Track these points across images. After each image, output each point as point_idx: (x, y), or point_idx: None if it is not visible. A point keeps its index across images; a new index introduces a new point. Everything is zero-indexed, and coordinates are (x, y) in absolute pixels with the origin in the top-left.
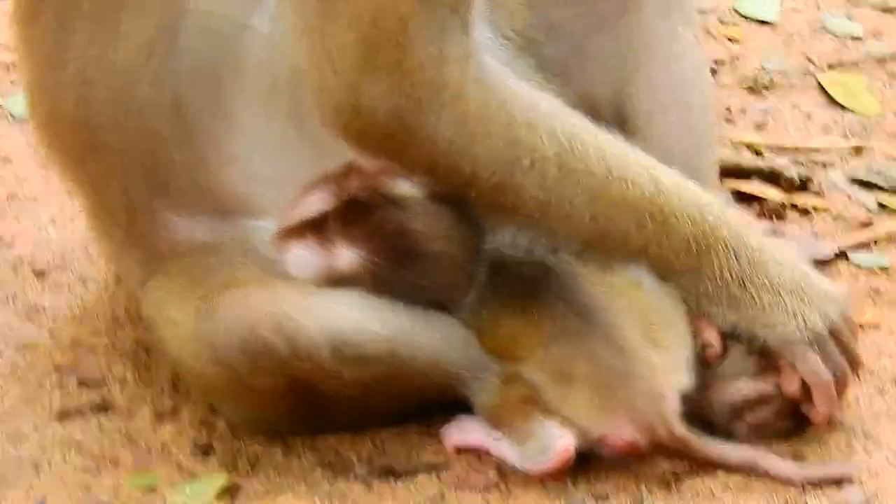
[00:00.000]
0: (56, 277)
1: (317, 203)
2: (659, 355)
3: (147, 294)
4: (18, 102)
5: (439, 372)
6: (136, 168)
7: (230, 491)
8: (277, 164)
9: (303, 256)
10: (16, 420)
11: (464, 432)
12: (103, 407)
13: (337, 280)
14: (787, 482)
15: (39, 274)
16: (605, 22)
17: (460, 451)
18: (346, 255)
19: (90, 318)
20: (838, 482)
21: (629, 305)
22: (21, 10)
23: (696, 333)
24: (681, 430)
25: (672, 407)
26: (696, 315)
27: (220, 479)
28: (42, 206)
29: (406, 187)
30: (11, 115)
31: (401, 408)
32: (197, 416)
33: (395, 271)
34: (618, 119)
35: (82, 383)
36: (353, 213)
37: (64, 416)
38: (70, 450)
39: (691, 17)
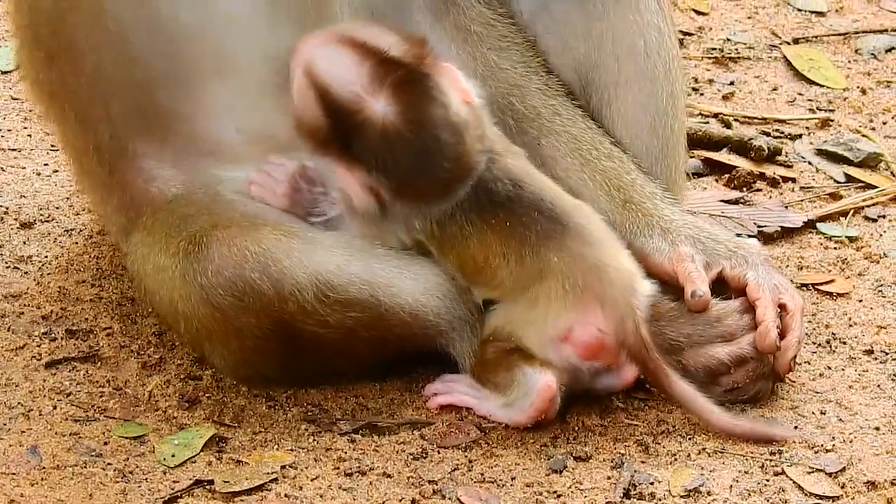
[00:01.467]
0: (42, 228)
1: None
2: (628, 260)
3: (130, 250)
4: (2, 56)
5: (419, 321)
6: (116, 98)
7: (216, 442)
8: (255, 117)
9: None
10: (5, 368)
11: (447, 391)
12: (91, 357)
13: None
14: (715, 428)
15: (25, 225)
16: None
17: (444, 408)
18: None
19: (76, 268)
20: (769, 441)
21: (597, 226)
22: None
23: (680, 283)
24: (646, 330)
25: (642, 303)
26: (676, 268)
27: (206, 431)
28: (26, 157)
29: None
30: None
31: (383, 359)
32: (183, 368)
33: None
34: (585, 87)
35: (70, 333)
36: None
37: (53, 365)
38: (59, 399)
39: None
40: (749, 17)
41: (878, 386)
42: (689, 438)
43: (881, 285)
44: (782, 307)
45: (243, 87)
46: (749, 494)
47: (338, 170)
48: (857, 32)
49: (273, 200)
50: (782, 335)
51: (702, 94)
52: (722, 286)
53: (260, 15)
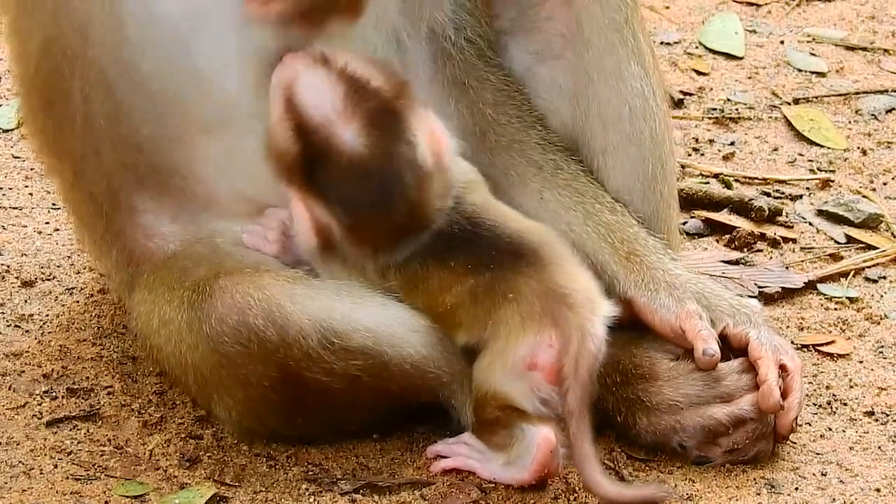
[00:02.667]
0: (43, 287)
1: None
2: (586, 280)
3: (133, 308)
4: (3, 115)
5: (422, 372)
6: (109, 152)
7: (217, 501)
8: (248, 172)
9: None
10: (6, 427)
11: (450, 454)
12: (92, 416)
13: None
14: (598, 495)
15: (26, 283)
16: (549, 52)
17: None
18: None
19: (77, 327)
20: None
21: (554, 249)
22: None
23: (689, 340)
24: (590, 354)
25: (597, 323)
26: (684, 325)
27: (207, 490)
28: (27, 216)
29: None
30: None
31: (386, 410)
32: (184, 427)
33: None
34: (574, 150)
35: (71, 392)
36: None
37: (54, 423)
38: (60, 457)
39: (640, 49)
40: (749, 78)
41: (879, 447)
42: (690, 501)
43: (882, 346)
44: (782, 368)
45: (234, 142)
46: None
47: (294, 201)
48: (857, 93)
49: (265, 248)
50: (783, 395)
51: (702, 155)
52: (723, 343)
53: (244, 73)
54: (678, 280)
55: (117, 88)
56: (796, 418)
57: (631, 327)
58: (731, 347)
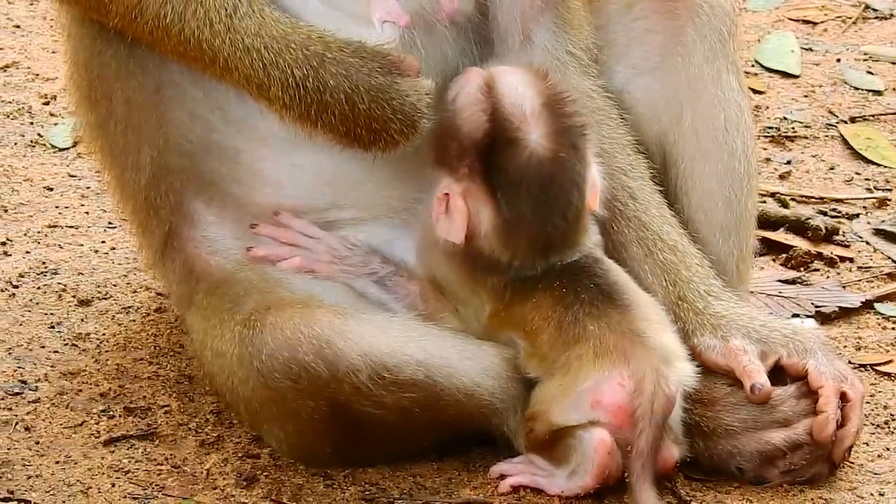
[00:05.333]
0: (99, 306)
1: None
2: (671, 340)
3: (189, 327)
4: (59, 134)
5: (474, 401)
6: (176, 159)
7: None
8: (309, 186)
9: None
10: (64, 446)
11: (516, 472)
12: (149, 434)
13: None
14: None
15: (83, 302)
16: (647, 65)
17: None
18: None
19: (134, 346)
20: None
21: (647, 311)
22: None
23: (737, 377)
24: (662, 405)
25: (674, 378)
26: (731, 363)
27: None
28: (83, 235)
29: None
30: (52, 146)
31: (439, 438)
32: (241, 446)
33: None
34: (663, 158)
35: (128, 411)
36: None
37: (111, 442)
38: (118, 476)
39: (736, 64)
40: (806, 96)
41: None
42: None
43: None
44: (843, 396)
45: (297, 157)
46: None
47: (453, 195)
48: None
49: (320, 269)
50: (841, 424)
51: (759, 174)
52: (780, 372)
53: None
54: (723, 320)
55: (187, 98)
56: (851, 447)
57: None
58: (790, 376)
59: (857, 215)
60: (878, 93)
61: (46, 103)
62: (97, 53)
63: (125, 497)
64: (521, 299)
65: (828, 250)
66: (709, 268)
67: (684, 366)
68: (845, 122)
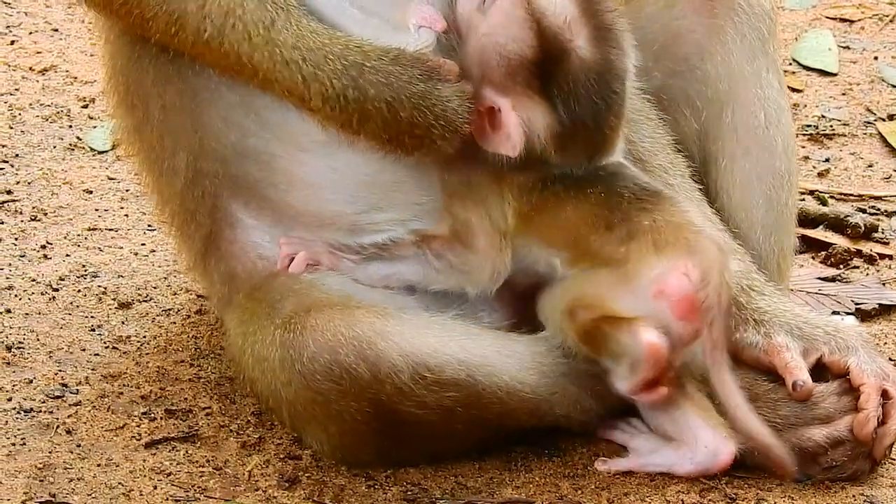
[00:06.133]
0: (140, 308)
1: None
2: (719, 234)
3: (228, 329)
4: (98, 137)
5: (517, 398)
6: (214, 162)
7: None
8: (345, 188)
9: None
10: (105, 449)
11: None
12: (190, 437)
13: None
14: (737, 430)
15: (123, 305)
16: (686, 64)
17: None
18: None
19: (175, 348)
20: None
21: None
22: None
23: (779, 374)
24: (728, 293)
25: (731, 269)
26: (773, 360)
27: None
28: (123, 237)
29: None
30: (91, 149)
31: (482, 436)
32: (283, 447)
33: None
34: (703, 156)
35: (169, 413)
36: None
37: (152, 445)
38: (160, 479)
39: (776, 63)
40: (843, 94)
41: None
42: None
43: None
44: (884, 394)
45: (335, 161)
46: None
47: (506, 110)
48: None
49: (323, 260)
50: (882, 421)
51: (797, 171)
52: (822, 369)
53: None
54: (766, 316)
55: (223, 102)
56: (892, 444)
57: None
58: (832, 373)
59: None
60: None
61: (85, 106)
62: (135, 59)
63: (167, 499)
64: (554, 204)
65: (867, 247)
66: (750, 263)
67: (735, 262)
68: (883, 120)
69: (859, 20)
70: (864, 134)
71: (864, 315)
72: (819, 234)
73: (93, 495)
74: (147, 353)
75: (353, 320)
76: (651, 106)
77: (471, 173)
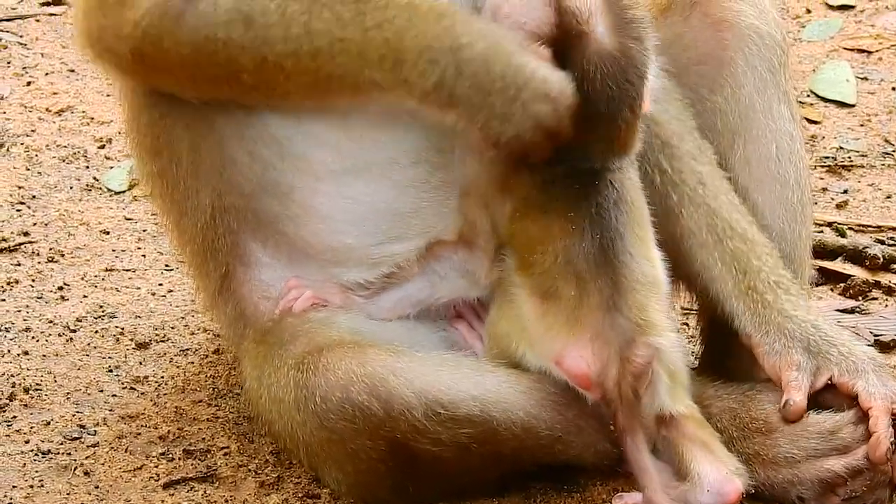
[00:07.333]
0: (157, 348)
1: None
2: (656, 313)
3: (243, 372)
4: (115, 177)
5: (533, 434)
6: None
7: None
8: (361, 219)
9: None
10: (124, 489)
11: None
12: (209, 477)
13: None
14: None
15: (141, 345)
16: (696, 95)
17: None
18: None
19: (192, 388)
20: None
21: (646, 272)
22: None
23: (781, 387)
24: (630, 386)
25: (641, 356)
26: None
27: None
28: (140, 278)
29: None
30: (108, 190)
31: (499, 473)
32: (301, 486)
33: None
34: None
35: (187, 453)
36: None
37: (171, 485)
38: None
39: (788, 94)
40: (861, 125)
41: None
42: None
43: None
44: None
45: (351, 193)
46: None
47: None
48: None
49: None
50: None
51: (816, 203)
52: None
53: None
54: (790, 324)
55: (245, 137)
56: None
57: (744, 378)
58: (842, 396)
59: None
60: None
61: (102, 147)
62: (160, 102)
63: None
64: (535, 214)
65: (885, 279)
66: (777, 258)
67: (665, 339)
68: None
69: (877, 51)
70: (883, 165)
71: (882, 346)
72: (837, 265)
73: None
74: (165, 394)
75: (365, 359)
76: (677, 86)
77: (483, 170)
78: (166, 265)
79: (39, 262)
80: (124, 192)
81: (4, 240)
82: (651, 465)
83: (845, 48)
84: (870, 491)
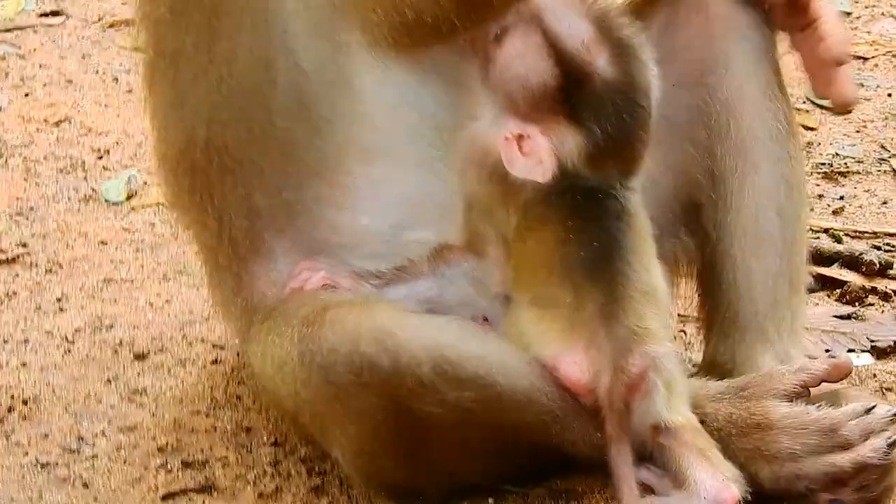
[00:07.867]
0: (155, 360)
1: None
2: (653, 322)
3: (249, 348)
4: (113, 188)
5: (535, 406)
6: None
7: None
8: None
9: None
10: (122, 501)
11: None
12: (207, 488)
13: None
14: None
15: (139, 356)
16: (685, 82)
17: None
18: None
19: (191, 399)
20: None
21: (645, 280)
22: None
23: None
24: (621, 398)
25: (635, 365)
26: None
27: None
28: (138, 289)
29: None
30: (106, 201)
31: (497, 452)
32: (300, 497)
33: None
34: (711, 178)
35: (186, 464)
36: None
37: (169, 497)
38: None
39: (779, 75)
40: (857, 132)
41: None
42: None
43: None
44: None
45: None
46: None
47: (532, 131)
48: None
49: (343, 283)
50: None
51: (812, 210)
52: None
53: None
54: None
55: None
56: None
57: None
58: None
59: None
60: None
61: (100, 158)
62: (195, 145)
63: None
64: (535, 223)
65: (882, 285)
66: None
67: (663, 347)
68: None
69: (873, 57)
70: (879, 171)
71: (879, 352)
72: (834, 271)
73: None
74: (163, 405)
75: (374, 313)
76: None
77: (487, 187)
78: (164, 276)
79: (37, 274)
80: (122, 202)
81: (2, 251)
82: (632, 478)
83: None
84: (879, 480)
